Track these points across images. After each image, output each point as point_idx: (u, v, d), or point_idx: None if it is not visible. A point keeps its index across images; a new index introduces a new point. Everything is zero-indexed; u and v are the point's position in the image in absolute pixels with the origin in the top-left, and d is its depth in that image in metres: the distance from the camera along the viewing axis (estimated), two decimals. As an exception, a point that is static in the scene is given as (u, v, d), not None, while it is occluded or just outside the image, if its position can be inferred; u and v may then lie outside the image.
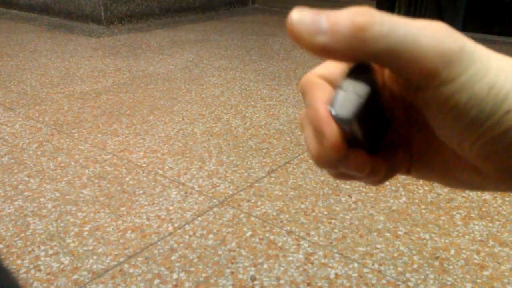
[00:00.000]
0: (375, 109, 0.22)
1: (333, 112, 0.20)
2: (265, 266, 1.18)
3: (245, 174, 1.63)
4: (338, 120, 0.20)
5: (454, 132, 0.20)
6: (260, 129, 1.99)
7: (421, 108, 0.21)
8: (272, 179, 1.60)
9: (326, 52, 0.20)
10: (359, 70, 0.21)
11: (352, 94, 0.20)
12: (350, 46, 0.19)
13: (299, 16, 0.20)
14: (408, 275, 1.16)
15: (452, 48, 0.19)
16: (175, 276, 1.15)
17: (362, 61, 0.20)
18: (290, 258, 1.21)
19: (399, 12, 4.80)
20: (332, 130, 0.21)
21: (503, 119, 0.19)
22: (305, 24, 0.19)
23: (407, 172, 0.26)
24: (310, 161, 1.72)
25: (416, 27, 0.19)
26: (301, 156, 1.76)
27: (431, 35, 0.19)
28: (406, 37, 0.19)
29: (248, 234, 1.30)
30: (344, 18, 0.19)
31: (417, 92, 0.20)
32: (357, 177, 0.24)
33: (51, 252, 1.22)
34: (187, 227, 1.33)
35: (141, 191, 1.51)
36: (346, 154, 0.22)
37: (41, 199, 1.46)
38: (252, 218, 1.37)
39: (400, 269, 1.18)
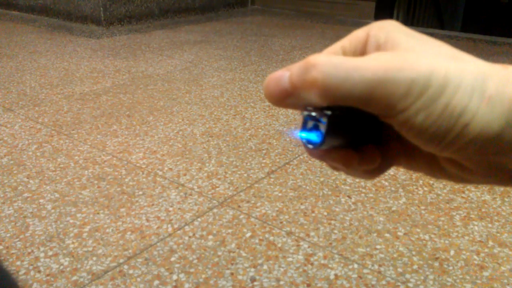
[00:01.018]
0: (354, 117, 0.23)
1: (303, 141, 0.22)
2: (265, 267, 1.18)
3: (245, 175, 1.63)
4: (307, 146, 0.22)
5: (421, 145, 0.22)
6: (259, 130, 1.99)
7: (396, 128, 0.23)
8: (272, 180, 1.60)
9: (295, 108, 0.22)
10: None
11: (319, 116, 0.22)
12: (312, 100, 0.21)
13: (267, 84, 0.22)
14: (407, 275, 1.16)
15: (402, 83, 0.20)
16: (174, 277, 1.14)
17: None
18: (290, 259, 1.21)
19: (398, 15, 4.81)
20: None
21: (464, 132, 0.20)
22: (273, 91, 0.22)
23: (398, 163, 0.27)
24: (310, 162, 1.72)
25: (364, 68, 0.20)
26: (301, 157, 1.76)
27: (380, 75, 0.20)
28: (357, 85, 0.20)
29: (248, 235, 1.30)
30: (296, 78, 0.20)
31: (380, 117, 0.22)
32: (347, 171, 0.26)
33: (50, 253, 1.22)
34: (186, 228, 1.33)
35: (140, 192, 1.51)
36: (329, 152, 0.24)
37: (41, 200, 1.46)
38: (252, 219, 1.37)
39: (399, 270, 1.18)
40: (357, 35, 0.25)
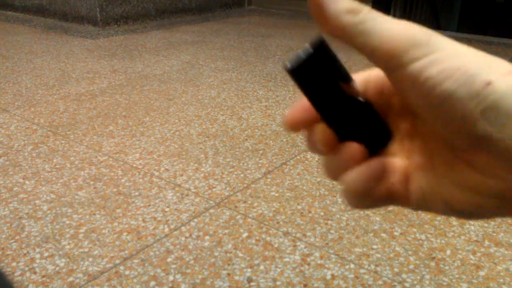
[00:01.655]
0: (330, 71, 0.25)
1: (285, 65, 0.24)
2: (262, 267, 1.18)
3: (242, 175, 1.62)
4: (285, 69, 0.24)
5: (437, 111, 0.21)
6: (256, 130, 1.99)
7: (402, 93, 0.23)
8: (269, 180, 1.60)
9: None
10: (319, 44, 0.24)
11: (301, 53, 0.24)
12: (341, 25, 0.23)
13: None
14: (404, 275, 1.16)
15: (418, 33, 0.21)
16: (171, 278, 1.14)
17: (321, 38, 0.24)
18: (287, 259, 1.21)
19: (394, 14, 4.82)
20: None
21: (484, 92, 0.20)
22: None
23: (406, 198, 0.26)
24: (307, 162, 1.72)
25: (390, 19, 0.22)
26: (298, 157, 1.76)
27: (401, 24, 0.22)
28: (379, 24, 0.22)
29: (245, 235, 1.30)
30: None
31: (391, 74, 0.22)
32: (327, 163, 0.27)
33: (46, 254, 1.22)
34: (183, 228, 1.33)
35: (137, 193, 1.50)
36: (338, 146, 0.26)
37: (37, 201, 1.45)
38: (249, 220, 1.37)
39: (396, 269, 1.18)
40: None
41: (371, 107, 0.26)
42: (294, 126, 0.26)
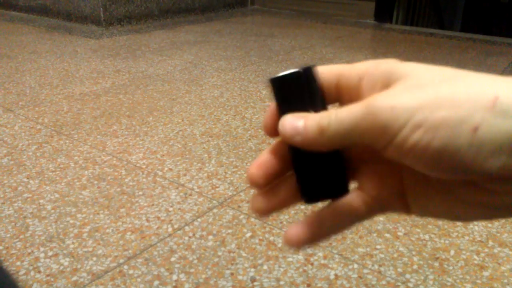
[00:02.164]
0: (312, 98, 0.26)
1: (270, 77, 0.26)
2: (265, 267, 1.18)
3: (245, 175, 1.63)
4: (269, 80, 0.26)
5: (429, 167, 0.21)
6: (259, 130, 1.99)
7: (398, 160, 0.23)
8: (272, 180, 1.60)
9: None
10: (307, 69, 0.26)
11: (287, 72, 0.25)
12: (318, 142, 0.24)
13: (283, 122, 0.25)
14: (408, 275, 1.16)
15: (379, 113, 0.21)
16: (174, 277, 1.14)
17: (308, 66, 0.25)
18: (290, 259, 1.21)
19: (398, 15, 4.81)
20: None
21: (476, 140, 0.19)
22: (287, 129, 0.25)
23: (407, 209, 0.27)
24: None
25: (356, 112, 0.22)
26: (301, 157, 1.76)
27: (368, 113, 0.22)
28: (353, 128, 0.22)
29: (248, 235, 1.30)
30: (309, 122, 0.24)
31: (386, 150, 0.22)
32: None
33: (50, 253, 1.22)
34: (186, 228, 1.33)
35: (140, 192, 1.51)
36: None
37: (41, 201, 1.46)
38: (252, 219, 1.37)
39: (400, 270, 1.18)
40: (357, 69, 0.26)
41: (338, 153, 0.26)
42: (270, 131, 0.27)
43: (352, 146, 0.25)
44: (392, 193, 0.26)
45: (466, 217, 0.24)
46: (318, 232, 0.28)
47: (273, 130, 0.27)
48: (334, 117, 0.23)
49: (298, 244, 0.28)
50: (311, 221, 0.28)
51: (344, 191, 0.27)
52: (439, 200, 0.24)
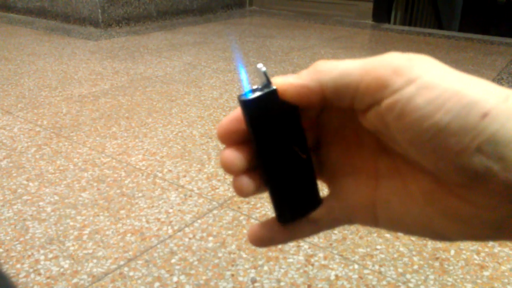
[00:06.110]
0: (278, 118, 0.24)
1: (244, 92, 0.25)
2: (266, 268, 1.18)
3: (245, 176, 1.62)
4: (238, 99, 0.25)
5: (419, 142, 0.19)
6: (259, 131, 1.99)
7: (381, 130, 0.21)
8: (272, 181, 1.59)
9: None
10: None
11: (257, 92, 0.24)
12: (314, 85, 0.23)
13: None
14: (408, 276, 1.16)
15: (398, 58, 0.19)
16: (175, 279, 1.14)
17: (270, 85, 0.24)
18: (290, 260, 1.21)
19: (396, 15, 4.81)
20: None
21: (481, 126, 0.18)
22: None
23: (375, 221, 0.25)
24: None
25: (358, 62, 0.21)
26: (300, 157, 1.76)
27: (373, 59, 0.20)
28: (354, 65, 0.21)
29: (248, 236, 1.30)
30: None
31: (373, 110, 0.20)
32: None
33: (50, 256, 1.22)
34: (186, 229, 1.33)
35: (140, 194, 1.51)
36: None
37: (40, 203, 1.45)
38: (252, 220, 1.37)
39: (400, 270, 1.18)
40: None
41: (311, 167, 0.26)
42: (225, 137, 0.25)
43: (339, 102, 0.22)
44: (364, 204, 0.25)
45: (444, 234, 0.22)
46: (277, 237, 0.27)
47: (230, 138, 0.24)
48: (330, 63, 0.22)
49: (258, 244, 0.27)
50: (270, 225, 0.27)
51: (318, 203, 0.27)
52: (417, 212, 0.22)
